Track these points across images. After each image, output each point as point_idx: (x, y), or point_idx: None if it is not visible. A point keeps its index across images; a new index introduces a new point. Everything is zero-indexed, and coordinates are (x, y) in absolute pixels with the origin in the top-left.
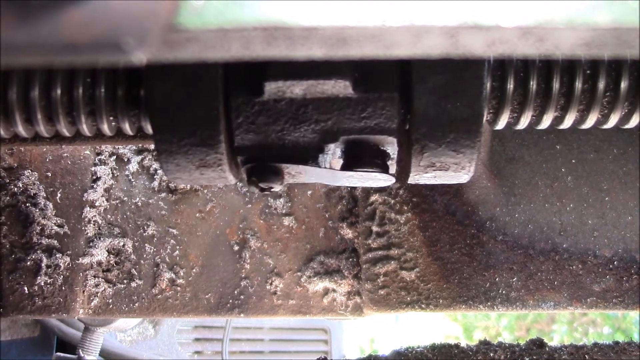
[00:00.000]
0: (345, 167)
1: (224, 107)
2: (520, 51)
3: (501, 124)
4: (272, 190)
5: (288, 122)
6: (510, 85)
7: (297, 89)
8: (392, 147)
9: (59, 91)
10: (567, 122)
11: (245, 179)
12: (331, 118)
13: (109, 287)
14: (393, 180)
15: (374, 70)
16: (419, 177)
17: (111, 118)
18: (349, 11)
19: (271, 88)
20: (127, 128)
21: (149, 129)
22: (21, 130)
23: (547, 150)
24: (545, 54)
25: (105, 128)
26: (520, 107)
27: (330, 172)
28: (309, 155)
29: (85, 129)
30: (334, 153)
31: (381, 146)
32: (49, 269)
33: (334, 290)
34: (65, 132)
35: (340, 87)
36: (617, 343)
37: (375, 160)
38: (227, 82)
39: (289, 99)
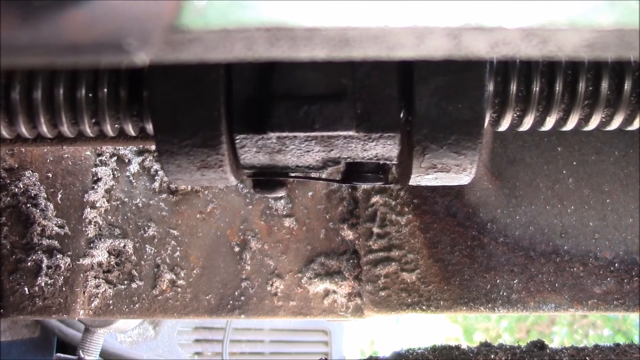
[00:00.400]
0: (345, 180)
1: (225, 109)
2: (523, 53)
3: (504, 126)
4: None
5: (292, 152)
6: (513, 87)
7: (301, 136)
8: (392, 161)
9: (61, 92)
10: (570, 124)
11: (250, 185)
12: (334, 149)
13: (110, 288)
14: (392, 185)
15: (376, 106)
16: (420, 178)
17: (114, 119)
18: (352, 12)
19: (274, 135)
20: (129, 129)
21: (150, 129)
22: (24, 130)
23: (548, 152)
24: (549, 55)
25: (108, 129)
26: (523, 109)
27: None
28: (312, 172)
29: (87, 129)
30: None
31: (381, 162)
32: (50, 270)
33: (334, 292)
34: (68, 133)
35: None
36: (617, 345)
37: (377, 174)
38: (231, 117)
39: (292, 136)
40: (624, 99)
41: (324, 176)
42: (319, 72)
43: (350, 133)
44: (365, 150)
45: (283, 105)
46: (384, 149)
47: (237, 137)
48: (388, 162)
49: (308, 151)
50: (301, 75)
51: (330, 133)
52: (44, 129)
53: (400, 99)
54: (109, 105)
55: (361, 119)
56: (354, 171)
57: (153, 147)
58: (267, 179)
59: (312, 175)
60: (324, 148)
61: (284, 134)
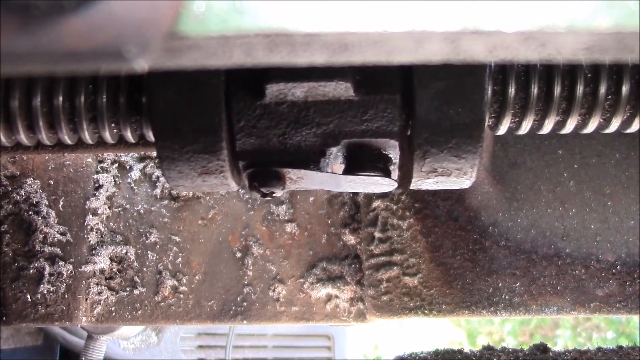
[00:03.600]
0: (346, 172)
1: (225, 114)
2: (522, 56)
3: (503, 129)
4: (273, 195)
5: (290, 126)
6: (512, 90)
7: (299, 91)
8: (394, 151)
9: (60, 99)
10: (569, 126)
11: (247, 185)
12: (333, 121)
13: (112, 294)
14: (395, 185)
15: (375, 73)
16: (421, 182)
17: (113, 126)
18: (350, 17)
19: (273, 91)
20: (128, 135)
21: (150, 136)
22: (23, 138)
23: (549, 155)
24: (547, 58)
25: (107, 136)
26: (521, 112)
27: (332, 177)
28: (311, 159)
29: (87, 136)
30: (335, 157)
31: (383, 150)
32: (52, 277)
33: (336, 297)
34: (67, 140)
35: (342, 90)
36: (620, 347)
37: (377, 164)
38: (229, 86)
39: (290, 102)
40: (622, 101)
41: (323, 170)
42: None
43: (349, 94)
44: (364, 121)
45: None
46: (383, 119)
47: (235, 107)
48: (389, 145)
49: (306, 125)
50: None
51: (328, 83)
52: (44, 136)
53: (401, 79)
54: (107, 112)
55: (360, 83)
56: (354, 162)
57: (154, 154)
58: (262, 169)
59: (311, 169)
60: (321, 119)
61: (282, 87)
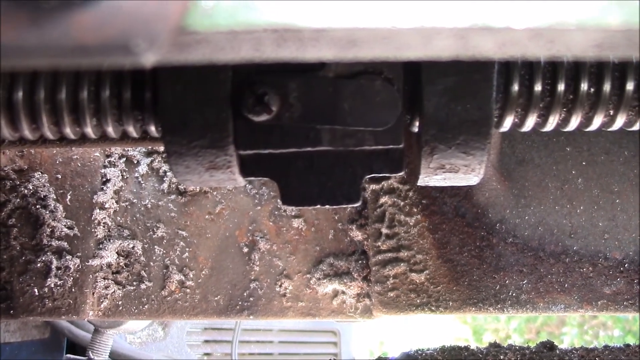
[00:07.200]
0: (345, 76)
1: (233, 110)
2: (531, 53)
3: (506, 126)
4: (266, 103)
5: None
6: (515, 87)
7: None
8: (396, 75)
9: (64, 93)
10: (572, 124)
11: (240, 103)
12: None
13: (119, 289)
14: (399, 104)
15: None
16: (429, 179)
17: (116, 120)
18: (359, 13)
19: None
20: (131, 130)
21: (153, 131)
22: (27, 132)
23: (557, 152)
24: (557, 55)
25: (110, 130)
26: (524, 109)
27: (331, 92)
28: (308, 67)
29: (90, 131)
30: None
31: (386, 74)
32: (59, 271)
33: (343, 293)
34: (71, 135)
35: None
36: (628, 346)
37: (379, 75)
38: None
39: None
40: (626, 98)
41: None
42: None
43: None
44: None
45: None
46: None
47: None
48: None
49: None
50: None
51: None
52: (47, 130)
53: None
54: (110, 107)
55: None
56: (354, 71)
57: (162, 149)
58: (257, 78)
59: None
60: None
61: None
